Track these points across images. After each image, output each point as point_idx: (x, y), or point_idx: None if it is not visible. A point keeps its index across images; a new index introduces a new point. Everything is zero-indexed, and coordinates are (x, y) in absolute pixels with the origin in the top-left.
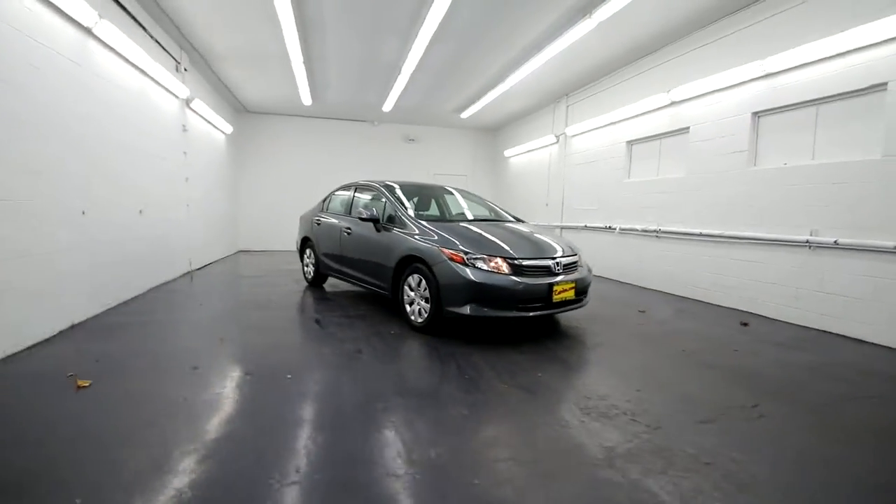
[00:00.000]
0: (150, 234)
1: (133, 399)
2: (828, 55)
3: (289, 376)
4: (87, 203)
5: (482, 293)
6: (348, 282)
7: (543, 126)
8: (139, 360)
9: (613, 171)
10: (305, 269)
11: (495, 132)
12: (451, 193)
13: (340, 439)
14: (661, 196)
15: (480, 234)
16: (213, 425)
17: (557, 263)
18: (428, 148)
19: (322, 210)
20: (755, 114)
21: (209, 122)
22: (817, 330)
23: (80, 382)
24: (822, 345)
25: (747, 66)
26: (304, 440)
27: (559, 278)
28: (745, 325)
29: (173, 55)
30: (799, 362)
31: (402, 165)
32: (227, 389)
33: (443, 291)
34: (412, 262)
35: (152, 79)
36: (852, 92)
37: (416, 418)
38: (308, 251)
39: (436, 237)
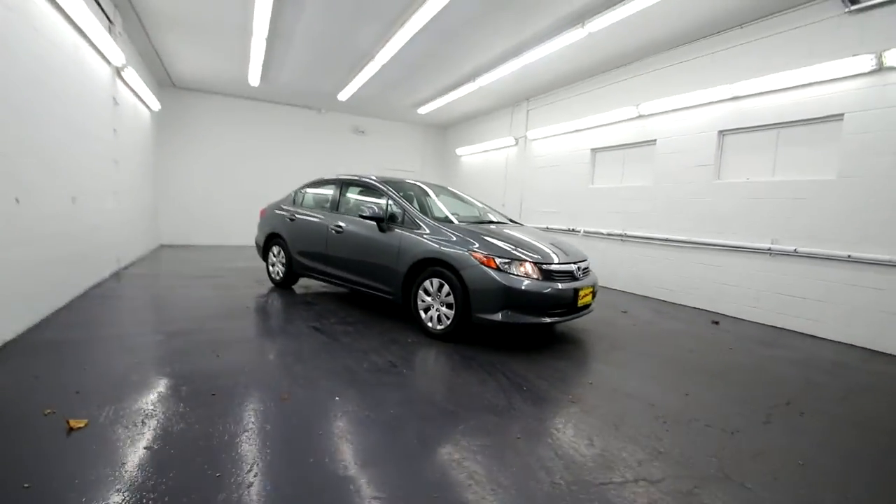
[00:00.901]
0: (82, 227)
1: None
2: (791, 85)
3: (337, 398)
4: (20, 189)
5: (517, 299)
6: (333, 284)
7: (501, 128)
8: (127, 388)
9: (577, 176)
10: (272, 268)
11: (444, 129)
12: (442, 192)
13: (495, 469)
14: (627, 202)
15: (504, 238)
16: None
17: (579, 268)
18: (377, 141)
19: (294, 205)
20: (721, 132)
21: (138, 96)
22: (775, 327)
23: (72, 423)
24: (789, 341)
25: (716, 89)
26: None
27: (582, 283)
28: (716, 323)
29: (108, 13)
30: (786, 358)
31: (350, 158)
32: (301, 421)
33: (473, 297)
34: (429, 266)
35: (87, 38)
36: (812, 119)
37: (526, 436)
38: (276, 249)
39: (454, 239)
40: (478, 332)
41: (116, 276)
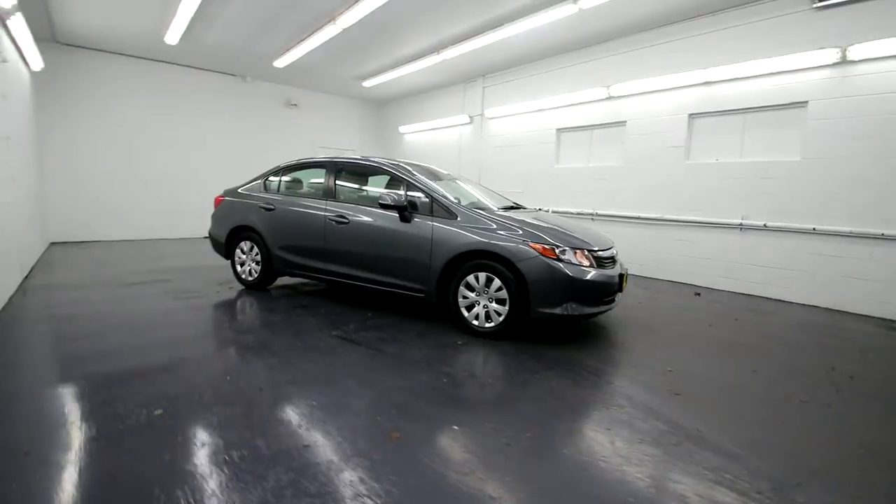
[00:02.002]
0: None
1: None
2: (759, 73)
3: (455, 427)
4: None
5: (581, 290)
6: (331, 283)
7: (452, 105)
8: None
9: (542, 157)
10: (240, 267)
11: (382, 105)
12: (431, 173)
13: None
14: (596, 182)
15: (545, 225)
16: None
17: (616, 253)
18: (312, 115)
19: (269, 191)
20: (691, 115)
21: (20, 52)
22: (747, 295)
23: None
24: (771, 307)
25: (688, 74)
26: None
27: (621, 268)
28: (698, 294)
29: None
30: (783, 324)
31: (281, 133)
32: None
33: (533, 291)
34: (471, 259)
35: None
36: (778, 105)
37: (687, 439)
38: (247, 245)
39: (494, 227)
40: (529, 328)
41: (22, 290)
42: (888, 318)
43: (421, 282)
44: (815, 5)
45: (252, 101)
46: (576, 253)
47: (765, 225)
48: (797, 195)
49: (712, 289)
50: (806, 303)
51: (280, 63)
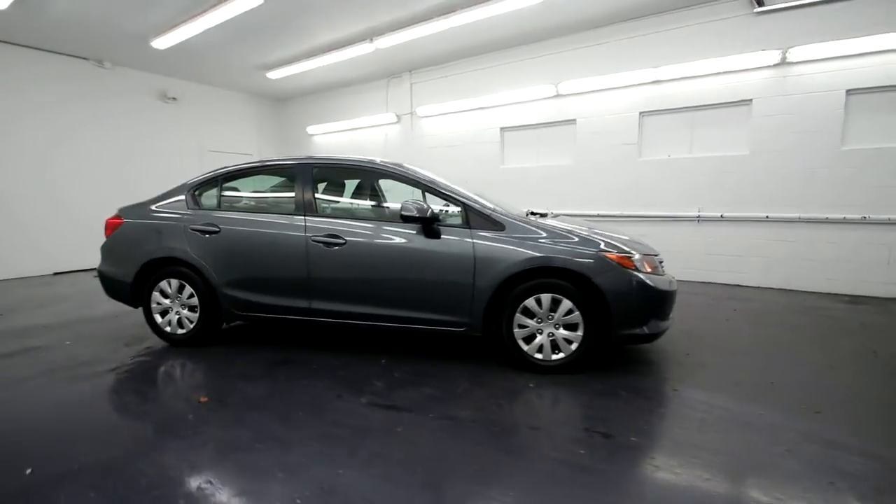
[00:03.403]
0: None
1: None
2: (706, 73)
3: None
4: None
5: (661, 303)
6: (315, 325)
7: (373, 102)
8: None
9: (485, 158)
10: (162, 318)
11: (285, 103)
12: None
13: None
14: (547, 182)
15: (592, 229)
16: None
17: None
18: (195, 113)
19: (203, 208)
20: (641, 113)
21: None
22: (711, 283)
23: None
24: (739, 293)
25: (638, 72)
26: None
27: None
28: None
29: None
30: (769, 310)
31: (153, 133)
32: None
33: (616, 309)
34: (529, 279)
35: None
36: (725, 103)
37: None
38: (173, 285)
39: (545, 236)
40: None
41: None
42: (837, 293)
43: (460, 312)
44: (755, 10)
45: (114, 91)
46: (650, 261)
47: (721, 216)
48: (748, 186)
49: (678, 280)
50: (760, 285)
51: (161, 43)
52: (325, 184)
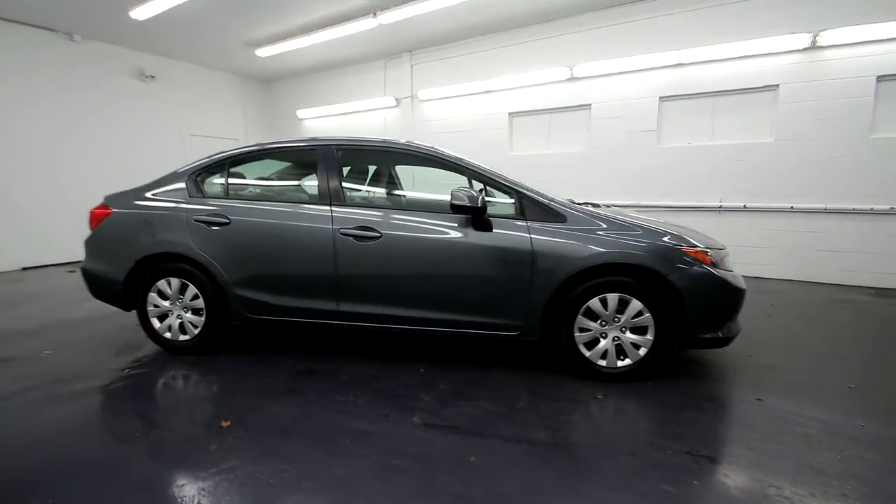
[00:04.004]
0: None
1: None
2: (731, 56)
3: None
4: None
5: (739, 303)
6: (343, 329)
7: (370, 85)
8: None
9: (492, 143)
10: (160, 322)
11: (272, 84)
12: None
13: None
14: (559, 170)
15: (655, 221)
16: None
17: None
18: (177, 93)
19: (204, 195)
20: (661, 98)
21: None
22: None
23: None
24: (767, 287)
25: (660, 55)
26: None
27: None
28: None
29: None
30: (810, 304)
31: (130, 115)
32: None
33: (693, 310)
34: (592, 277)
35: None
36: (751, 88)
37: None
38: (174, 285)
39: (605, 226)
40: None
41: None
42: (861, 285)
43: (514, 314)
44: None
45: (84, 67)
46: (724, 257)
47: (744, 206)
48: (772, 175)
49: None
50: (780, 277)
51: (140, 13)
52: (352, 168)
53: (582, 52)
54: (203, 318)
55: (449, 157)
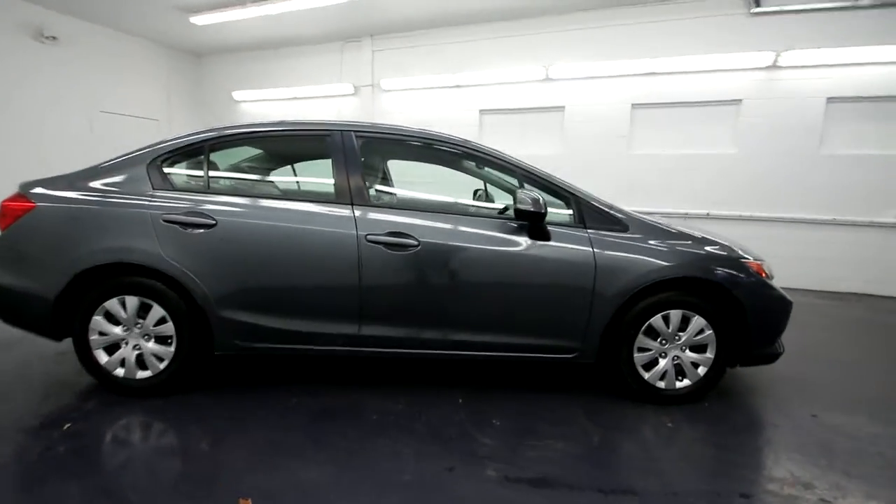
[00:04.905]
0: None
1: None
2: (701, 69)
3: None
4: None
5: (789, 316)
6: (364, 356)
7: (324, 70)
8: None
9: None
10: (108, 356)
11: (204, 59)
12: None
13: None
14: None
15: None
16: None
17: None
18: (85, 61)
19: (174, 187)
20: (634, 105)
21: None
22: None
23: None
24: None
25: (635, 62)
26: None
27: None
28: None
29: None
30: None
31: (23, 84)
32: None
33: (756, 325)
34: (658, 292)
35: None
36: (716, 101)
37: None
38: (130, 305)
39: (666, 237)
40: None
41: None
42: (807, 288)
43: (571, 335)
44: (751, 10)
45: None
46: (765, 270)
47: (707, 214)
48: (734, 186)
49: None
50: None
51: None
52: (375, 162)
53: (558, 52)
54: (172, 349)
55: (496, 154)
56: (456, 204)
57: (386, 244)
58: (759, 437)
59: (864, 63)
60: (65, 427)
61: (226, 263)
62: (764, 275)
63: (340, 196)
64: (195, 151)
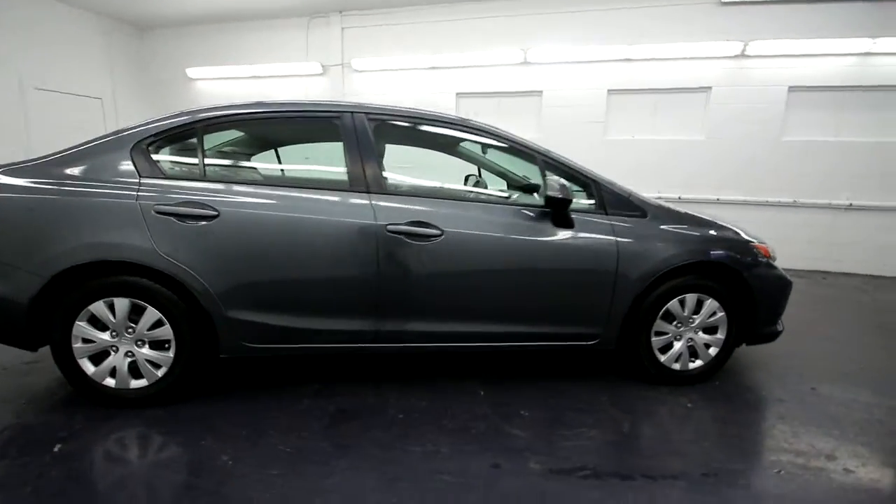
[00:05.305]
0: None
1: None
2: (674, 57)
3: None
4: None
5: (788, 296)
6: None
7: (289, 47)
8: None
9: None
10: (94, 366)
11: (152, 32)
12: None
13: None
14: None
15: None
16: None
17: None
18: (11, 33)
19: (165, 176)
20: (610, 91)
21: None
22: None
23: None
24: None
25: (612, 48)
26: None
27: None
28: None
29: None
30: None
31: None
32: None
33: (762, 306)
34: (675, 276)
35: None
36: (688, 88)
37: None
38: (120, 308)
39: (681, 222)
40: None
41: None
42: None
43: (593, 322)
44: (721, 0)
45: None
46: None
47: (679, 197)
48: (702, 170)
49: None
50: None
51: None
52: (391, 146)
53: (536, 34)
54: (171, 354)
55: (517, 140)
56: (475, 191)
57: (407, 234)
58: (771, 413)
59: (822, 55)
60: (55, 448)
61: (231, 258)
62: (769, 257)
63: (355, 183)
64: (186, 134)
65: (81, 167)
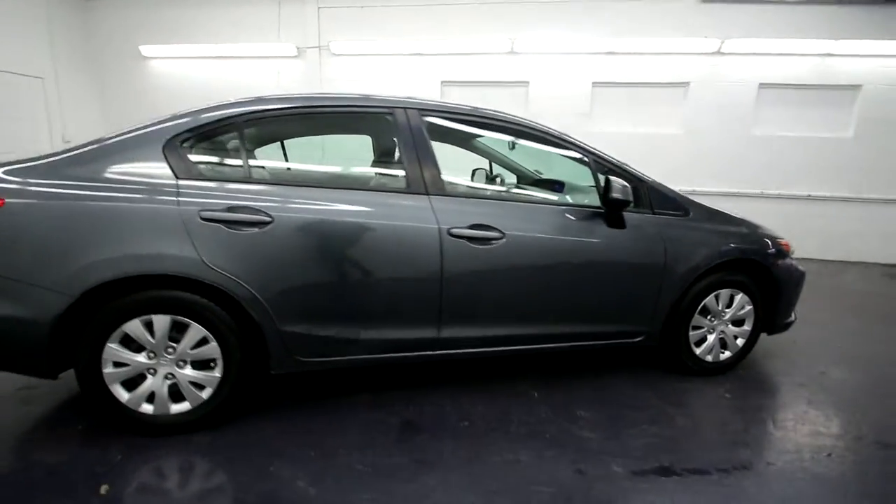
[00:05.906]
0: None
1: None
2: (655, 51)
3: None
4: None
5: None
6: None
7: (258, 26)
8: None
9: None
10: (127, 393)
11: (99, 4)
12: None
13: None
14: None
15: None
16: None
17: None
18: None
19: (204, 178)
20: (595, 83)
21: None
22: None
23: None
24: None
25: (599, 40)
26: None
27: None
28: None
29: None
30: None
31: None
32: None
33: (783, 299)
34: (712, 273)
35: None
36: (667, 83)
37: None
38: (159, 327)
39: (718, 220)
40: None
41: None
42: None
43: (640, 319)
44: None
45: None
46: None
47: None
48: (680, 162)
49: None
50: None
51: None
52: (445, 146)
53: (524, 24)
54: (218, 374)
55: (575, 141)
56: (527, 190)
57: (470, 238)
58: (799, 399)
59: (790, 54)
60: (101, 491)
61: (286, 268)
62: (789, 251)
63: (413, 185)
64: (225, 129)
65: (105, 167)
